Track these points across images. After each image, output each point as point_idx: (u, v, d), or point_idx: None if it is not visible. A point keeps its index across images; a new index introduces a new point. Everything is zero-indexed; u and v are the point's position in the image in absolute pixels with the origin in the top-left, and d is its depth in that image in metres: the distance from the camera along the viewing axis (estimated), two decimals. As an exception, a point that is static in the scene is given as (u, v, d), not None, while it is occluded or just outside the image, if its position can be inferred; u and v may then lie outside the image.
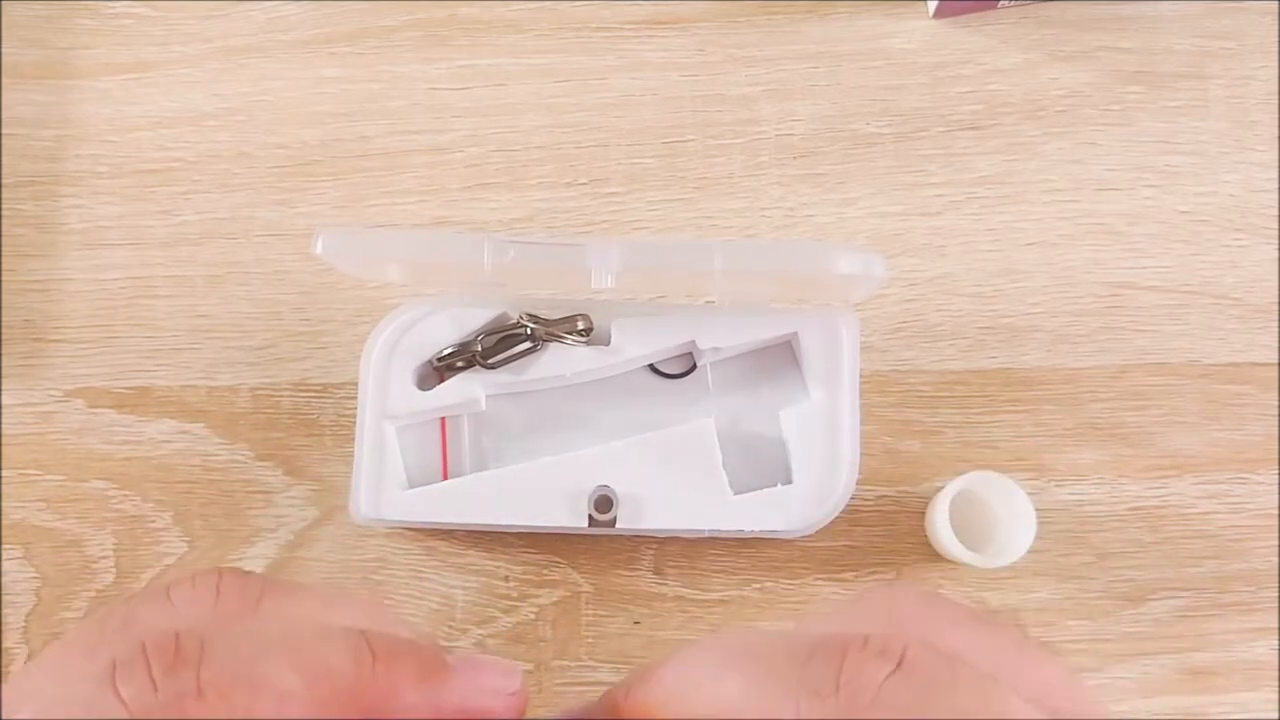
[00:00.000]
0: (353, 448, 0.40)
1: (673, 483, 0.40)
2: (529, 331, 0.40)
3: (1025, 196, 0.45)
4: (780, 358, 0.42)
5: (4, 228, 0.45)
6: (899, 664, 0.21)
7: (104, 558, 0.43)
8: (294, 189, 0.46)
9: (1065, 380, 0.44)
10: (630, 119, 0.46)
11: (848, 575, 0.43)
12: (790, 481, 0.40)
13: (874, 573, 0.42)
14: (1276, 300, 0.44)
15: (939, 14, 0.47)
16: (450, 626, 0.42)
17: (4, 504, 0.43)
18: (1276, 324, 0.44)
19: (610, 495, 0.39)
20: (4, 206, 0.45)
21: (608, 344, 0.41)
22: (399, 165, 0.46)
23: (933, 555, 0.42)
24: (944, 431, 0.43)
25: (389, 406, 0.40)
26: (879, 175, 0.46)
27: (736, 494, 0.40)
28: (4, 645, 0.42)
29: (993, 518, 0.41)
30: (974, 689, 0.21)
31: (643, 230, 0.45)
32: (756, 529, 0.40)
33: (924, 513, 0.43)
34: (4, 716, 0.22)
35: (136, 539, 0.43)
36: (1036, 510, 0.39)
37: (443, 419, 0.41)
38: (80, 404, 0.44)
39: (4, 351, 0.44)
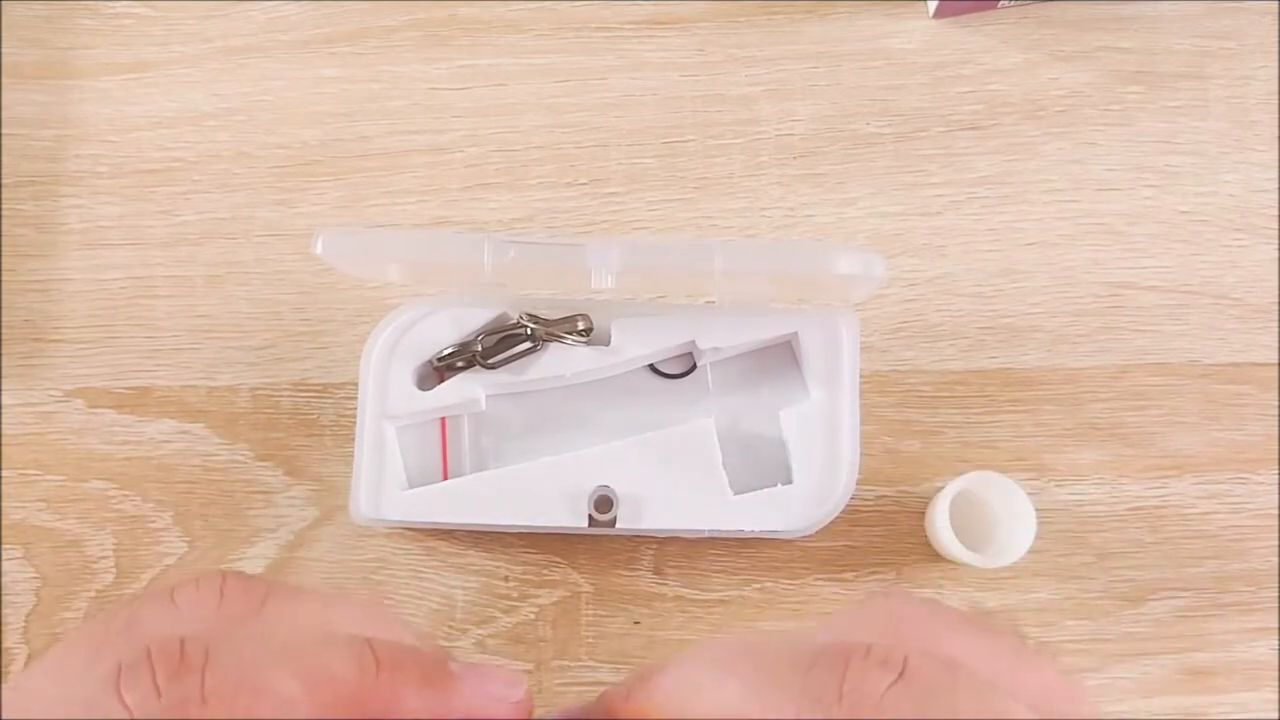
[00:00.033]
0: (353, 448, 0.40)
1: (673, 483, 0.40)
2: (529, 331, 0.40)
3: (1025, 196, 0.45)
4: (780, 358, 0.42)
5: (4, 228, 0.45)
6: (901, 673, 0.21)
7: (104, 558, 0.43)
8: (294, 189, 0.46)
9: (1065, 380, 0.44)
10: (630, 119, 0.46)
11: (848, 575, 0.43)
12: (790, 481, 0.40)
13: (874, 573, 0.42)
14: (1276, 300, 0.44)
15: (939, 14, 0.47)
16: (450, 626, 0.42)
17: (4, 504, 0.43)
18: (1276, 324, 0.44)
19: (610, 495, 0.39)
20: (4, 206, 0.45)
21: (608, 344, 0.41)
22: (399, 165, 0.46)
23: (933, 555, 0.42)
24: (944, 431, 0.43)
25: (389, 406, 0.40)
26: (879, 175, 0.46)
27: (736, 494, 0.40)
28: (4, 645, 0.42)
29: (993, 518, 0.41)
30: (974, 697, 0.21)
31: (643, 230, 0.45)
32: (756, 529, 0.40)
33: (924, 513, 0.43)
34: (7, 717, 0.22)
35: (136, 539, 0.43)
36: (1036, 510, 0.39)
37: (443, 419, 0.41)
38: (80, 404, 0.44)
39: (4, 351, 0.44)
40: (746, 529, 0.40)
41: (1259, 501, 0.43)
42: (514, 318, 0.41)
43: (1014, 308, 0.44)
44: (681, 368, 0.42)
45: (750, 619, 0.42)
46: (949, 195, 0.45)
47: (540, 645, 0.42)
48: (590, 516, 0.39)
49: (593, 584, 0.42)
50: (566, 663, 0.42)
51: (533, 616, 0.42)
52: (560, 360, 0.41)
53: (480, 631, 0.42)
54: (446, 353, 0.41)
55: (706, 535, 0.41)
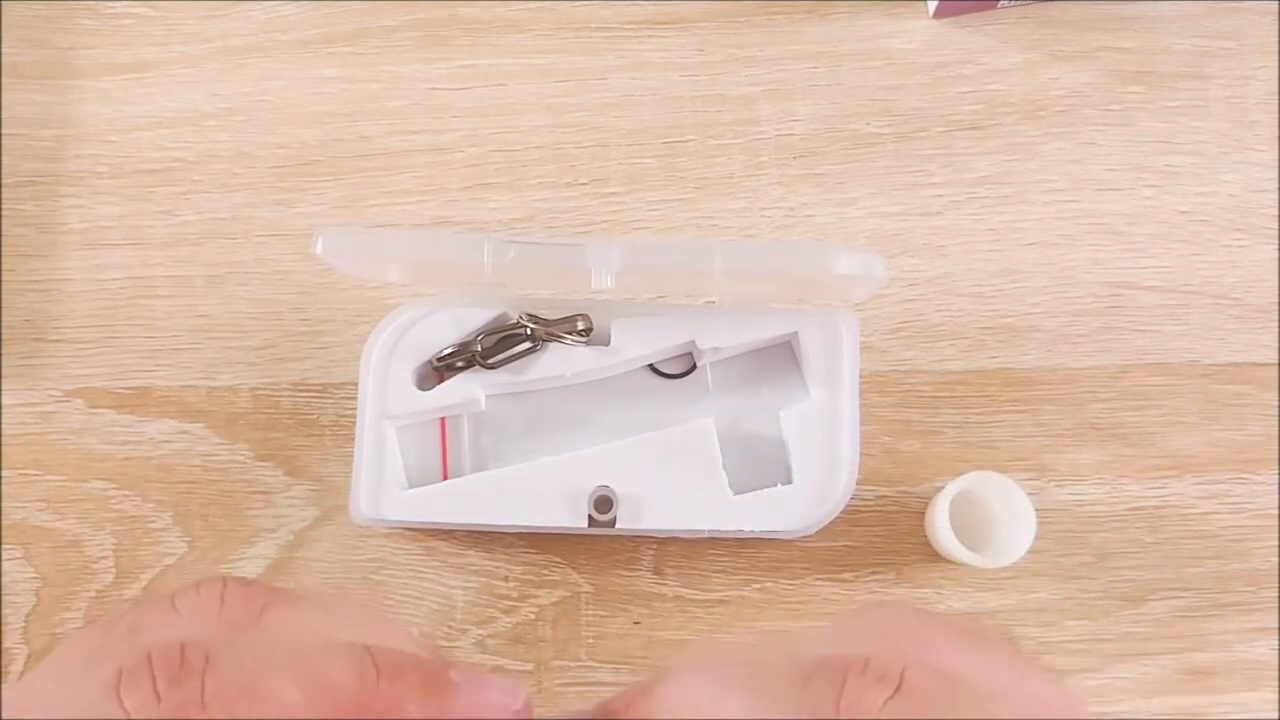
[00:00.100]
0: (353, 448, 0.40)
1: (673, 483, 0.40)
2: (529, 331, 0.40)
3: (1025, 196, 0.45)
4: (780, 358, 0.42)
5: (4, 228, 0.45)
6: (898, 688, 0.21)
7: (104, 558, 0.43)
8: (294, 189, 0.46)
9: (1065, 380, 0.44)
10: (630, 119, 0.46)
11: (848, 575, 0.43)
12: (790, 481, 0.40)
13: (874, 573, 0.42)
14: (1276, 300, 0.44)
15: (939, 14, 0.47)
16: (450, 626, 0.42)
17: (4, 504, 0.43)
18: (1276, 324, 0.44)
19: (610, 495, 0.39)
20: (4, 206, 0.45)
21: (608, 344, 0.41)
22: (399, 165, 0.46)
23: (933, 555, 0.42)
24: (944, 431, 0.43)
25: (389, 406, 0.40)
26: (879, 175, 0.46)
27: (736, 494, 0.40)
28: (4, 645, 0.42)
29: (993, 518, 0.41)
30: (972, 709, 0.22)
31: (643, 230, 0.45)
32: (756, 529, 0.40)
33: (924, 513, 0.43)
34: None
35: (136, 539, 0.43)
36: (1036, 510, 0.39)
37: (443, 419, 0.41)
38: (80, 404, 0.44)
39: (4, 351, 0.44)
40: (746, 529, 0.40)
41: (1259, 501, 0.43)
42: (514, 318, 0.41)
43: (1014, 308, 0.44)
44: (681, 368, 0.42)
45: (750, 619, 0.42)
46: (949, 195, 0.45)
47: (540, 645, 0.42)
48: (590, 516, 0.39)
49: (593, 584, 0.42)
50: (566, 663, 0.42)
51: (533, 616, 0.42)
52: (560, 360, 0.41)
53: (480, 631, 0.42)
54: (446, 353, 0.41)
55: (706, 535, 0.41)
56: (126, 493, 0.43)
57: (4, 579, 0.42)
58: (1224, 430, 0.43)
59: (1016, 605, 0.42)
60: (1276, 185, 0.45)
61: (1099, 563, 0.42)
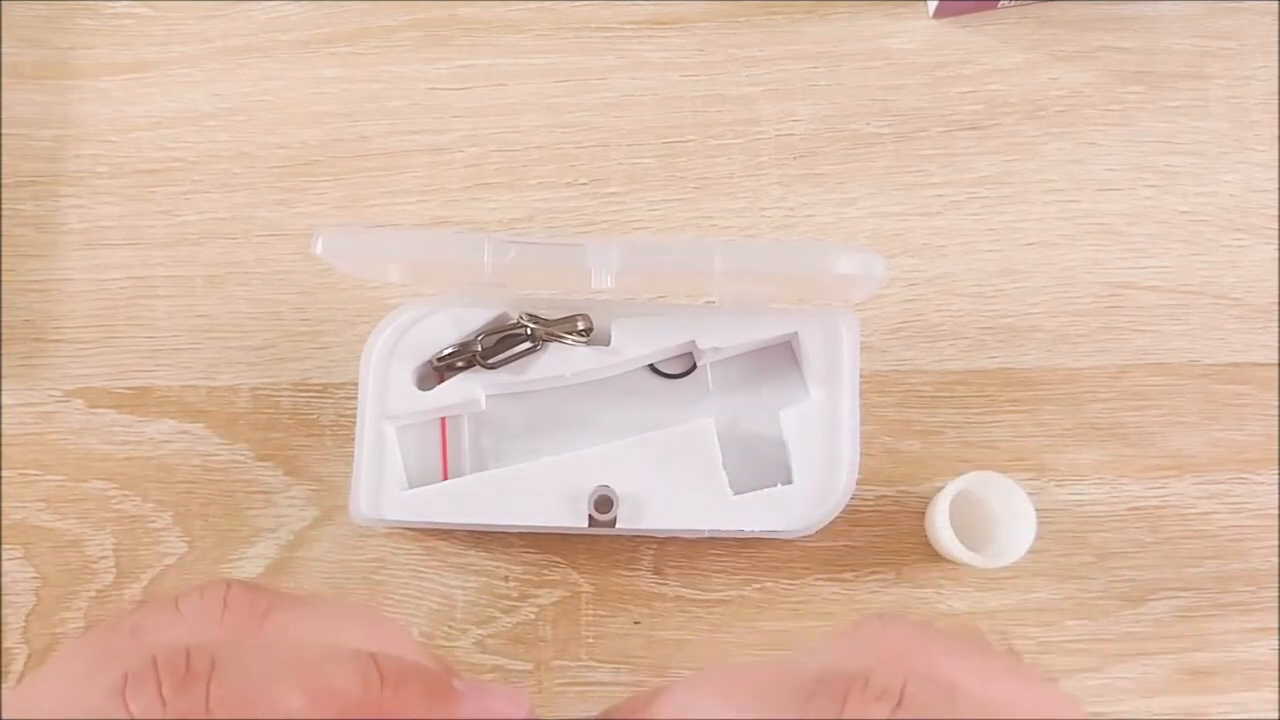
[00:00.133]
0: (353, 448, 0.40)
1: (673, 483, 0.40)
2: (529, 331, 0.40)
3: (1025, 196, 0.45)
4: (780, 358, 0.42)
5: (4, 228, 0.45)
6: (899, 703, 0.21)
7: (104, 558, 0.43)
8: (294, 189, 0.46)
9: (1065, 380, 0.44)
10: (630, 119, 0.46)
11: (848, 575, 0.43)
12: (790, 481, 0.40)
13: (874, 573, 0.43)
14: (1276, 300, 0.44)
15: (939, 14, 0.47)
16: (450, 626, 0.42)
17: (4, 504, 0.43)
18: (1276, 324, 0.44)
19: (610, 495, 0.39)
20: (4, 206, 0.45)
21: (608, 344, 0.41)
22: (399, 165, 0.46)
23: (933, 555, 0.42)
24: (944, 431, 0.43)
25: (389, 406, 0.40)
26: (879, 175, 0.46)
27: (736, 494, 0.40)
28: (4, 645, 0.42)
29: (993, 518, 0.41)
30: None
31: (643, 230, 0.45)
32: (756, 529, 0.40)
33: (924, 513, 0.43)
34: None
35: (136, 539, 0.43)
36: (1036, 510, 0.39)
37: (443, 419, 0.41)
38: (80, 404, 0.44)
39: (4, 351, 0.44)
40: (746, 529, 0.40)
41: (1259, 501, 0.43)
42: (514, 318, 0.41)
43: (1014, 308, 0.44)
44: (681, 368, 0.42)
45: (750, 619, 0.42)
46: (949, 195, 0.45)
47: (540, 645, 0.42)
48: (590, 516, 0.39)
49: (593, 584, 0.42)
50: (566, 663, 0.42)
51: (533, 616, 0.42)
52: (560, 360, 0.41)
53: (480, 631, 0.42)
54: (446, 353, 0.41)
55: (706, 535, 0.41)
56: (126, 493, 0.43)
57: (4, 579, 0.42)
58: (1224, 430, 0.43)
59: (1016, 605, 0.42)
60: (1276, 185, 0.45)
61: (1099, 563, 0.42)
